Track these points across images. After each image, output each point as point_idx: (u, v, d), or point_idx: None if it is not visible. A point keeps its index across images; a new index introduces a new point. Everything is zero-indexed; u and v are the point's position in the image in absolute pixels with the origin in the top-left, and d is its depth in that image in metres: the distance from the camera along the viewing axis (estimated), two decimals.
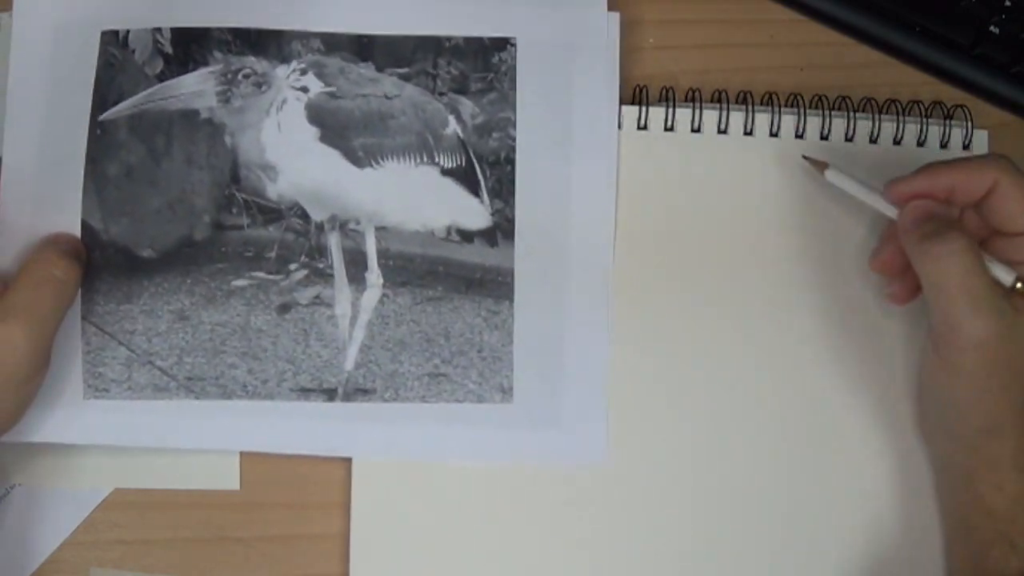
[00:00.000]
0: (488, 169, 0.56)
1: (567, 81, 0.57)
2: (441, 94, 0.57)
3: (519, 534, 0.56)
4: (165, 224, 0.55)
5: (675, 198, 0.58)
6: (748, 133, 0.58)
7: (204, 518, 0.56)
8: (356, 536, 0.55)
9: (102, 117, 0.55)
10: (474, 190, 0.56)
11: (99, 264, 0.55)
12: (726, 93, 0.59)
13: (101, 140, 0.55)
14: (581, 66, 0.57)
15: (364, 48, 0.57)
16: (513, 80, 0.57)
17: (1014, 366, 0.50)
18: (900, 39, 0.61)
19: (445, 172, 0.56)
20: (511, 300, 0.56)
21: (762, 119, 0.58)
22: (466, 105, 0.57)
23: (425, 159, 0.56)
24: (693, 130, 0.58)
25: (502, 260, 0.56)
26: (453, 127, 0.56)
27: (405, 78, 0.57)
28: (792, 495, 0.56)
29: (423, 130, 0.56)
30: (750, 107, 0.58)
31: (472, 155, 0.56)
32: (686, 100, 0.59)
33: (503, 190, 0.56)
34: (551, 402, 0.56)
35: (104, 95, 0.55)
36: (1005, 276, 0.51)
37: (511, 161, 0.56)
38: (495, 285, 0.56)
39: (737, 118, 0.58)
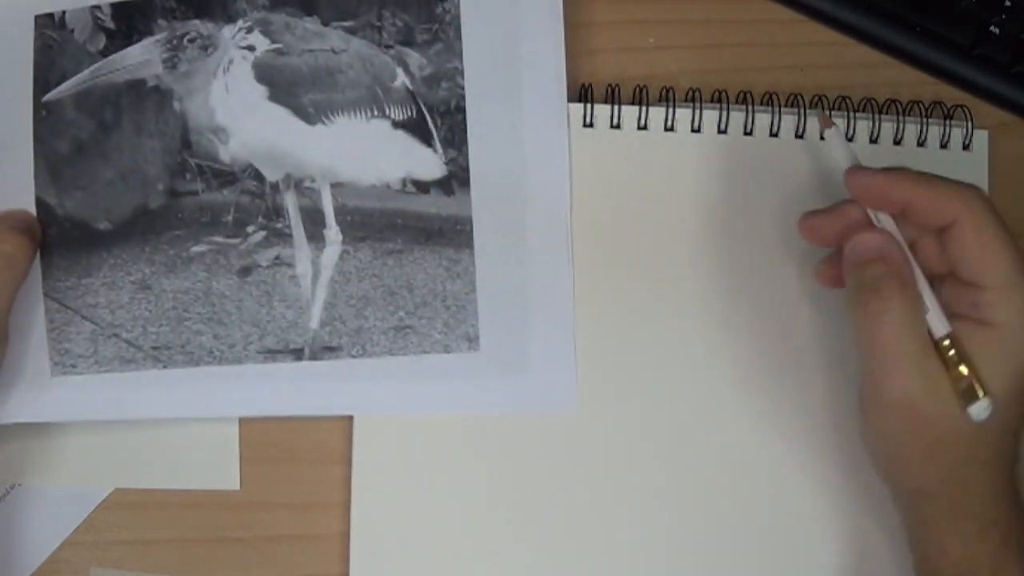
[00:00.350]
0: (439, 119, 0.56)
1: (512, 27, 0.56)
2: (388, 47, 0.56)
3: (521, 531, 0.56)
4: (119, 195, 0.55)
5: (676, 197, 0.57)
6: (748, 133, 0.58)
7: (204, 518, 0.56)
8: (356, 536, 0.55)
9: (45, 98, 0.55)
10: (427, 141, 0.56)
11: (57, 239, 0.55)
12: (726, 93, 0.58)
13: (47, 120, 0.55)
14: (525, 10, 0.56)
15: (309, 2, 0.56)
16: (458, 29, 0.56)
17: (938, 429, 0.47)
18: (900, 39, 0.60)
19: (397, 124, 0.56)
20: (471, 248, 0.56)
21: (762, 119, 0.58)
22: (413, 57, 0.56)
23: (376, 112, 0.56)
24: (693, 130, 0.58)
25: (459, 209, 0.56)
26: (401, 79, 0.56)
27: (351, 31, 0.56)
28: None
29: (372, 83, 0.56)
30: (750, 107, 0.58)
31: (422, 106, 0.56)
32: (686, 100, 0.58)
33: (456, 139, 0.56)
34: (518, 348, 0.56)
35: (46, 77, 0.55)
36: (938, 327, 0.48)
37: (462, 110, 0.56)
38: (454, 234, 0.56)
39: (737, 118, 0.58)
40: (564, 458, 0.56)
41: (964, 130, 0.58)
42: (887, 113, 0.59)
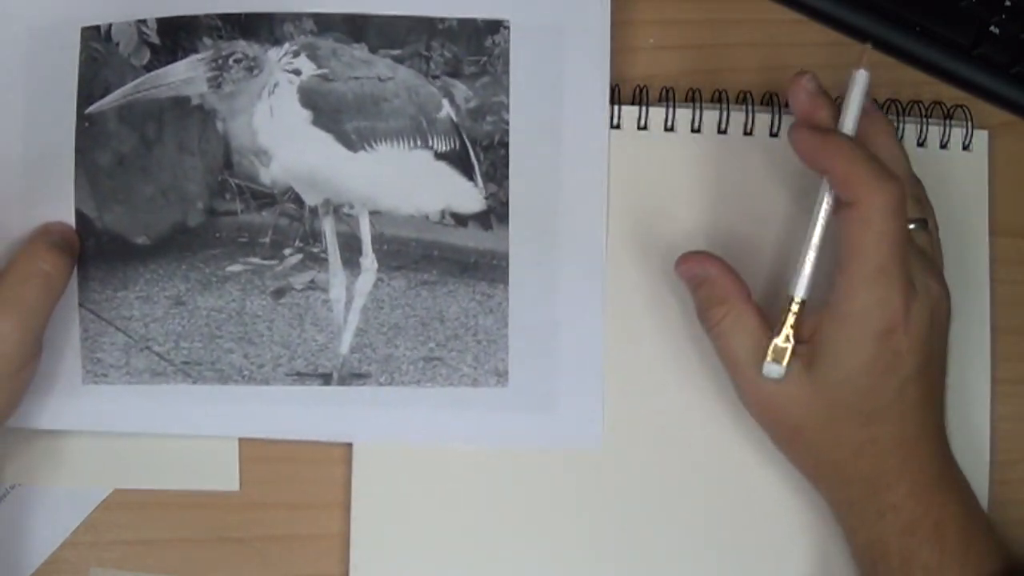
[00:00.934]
0: (482, 153, 0.56)
1: (559, 65, 0.56)
2: (435, 77, 0.56)
3: (521, 530, 0.56)
4: (159, 211, 0.55)
5: (675, 198, 0.57)
6: (748, 133, 0.58)
7: (204, 518, 0.56)
8: (356, 536, 0.56)
9: (89, 110, 0.55)
10: (468, 174, 0.56)
11: (94, 252, 0.55)
12: (726, 93, 0.58)
13: (89, 132, 0.55)
14: (573, 49, 0.56)
15: (357, 29, 0.56)
16: (506, 63, 0.56)
17: (794, 418, 0.51)
18: (900, 39, 0.60)
19: (439, 156, 0.56)
20: (506, 284, 0.56)
21: (762, 119, 0.58)
22: (459, 88, 0.56)
23: (419, 143, 0.56)
24: (693, 130, 0.57)
25: (496, 244, 0.56)
26: (447, 111, 0.56)
27: (398, 60, 0.56)
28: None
29: (417, 113, 0.56)
30: (750, 107, 0.58)
31: (466, 139, 0.56)
32: (686, 100, 0.58)
33: (497, 174, 0.56)
34: (546, 386, 0.56)
35: (90, 89, 0.55)
36: (793, 288, 0.50)
37: (504, 145, 0.56)
38: (489, 269, 0.56)
39: (737, 118, 0.57)
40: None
41: (964, 130, 0.59)
42: (887, 113, 0.59)
